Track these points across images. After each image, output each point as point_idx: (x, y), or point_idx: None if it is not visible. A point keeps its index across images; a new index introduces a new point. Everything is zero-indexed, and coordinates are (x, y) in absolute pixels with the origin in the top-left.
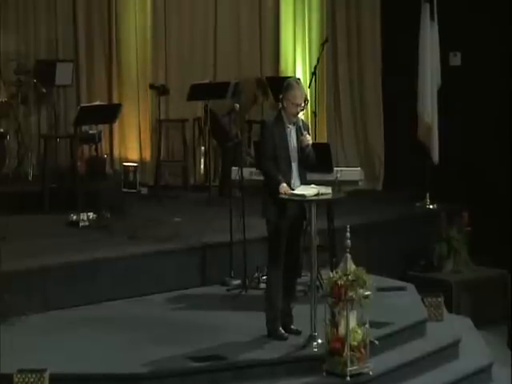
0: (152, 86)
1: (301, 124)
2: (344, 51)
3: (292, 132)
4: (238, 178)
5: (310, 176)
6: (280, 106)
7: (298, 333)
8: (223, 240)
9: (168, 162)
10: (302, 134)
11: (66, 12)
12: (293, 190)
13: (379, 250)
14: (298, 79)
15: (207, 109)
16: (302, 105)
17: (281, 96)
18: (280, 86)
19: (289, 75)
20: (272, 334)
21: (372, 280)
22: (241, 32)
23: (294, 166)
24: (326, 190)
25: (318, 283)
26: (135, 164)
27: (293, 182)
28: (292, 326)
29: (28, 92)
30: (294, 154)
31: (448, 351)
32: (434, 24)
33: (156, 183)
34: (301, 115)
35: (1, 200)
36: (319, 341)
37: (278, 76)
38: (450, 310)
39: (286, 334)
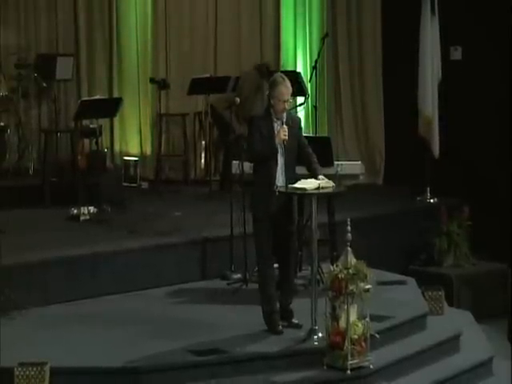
0: (152, 80)
1: (284, 119)
2: (345, 45)
3: (279, 127)
4: (238, 171)
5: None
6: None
7: (298, 326)
8: (223, 234)
9: (168, 157)
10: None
11: (67, 6)
12: (277, 186)
13: (380, 243)
14: (296, 74)
15: (209, 104)
16: (290, 100)
17: (267, 93)
18: None
19: (290, 69)
20: (268, 328)
21: (372, 274)
22: (241, 25)
23: (281, 161)
24: (327, 184)
25: (318, 277)
26: (136, 158)
27: (277, 176)
28: (293, 320)
29: (28, 86)
30: (280, 150)
31: (448, 345)
32: (434, 18)
33: (156, 177)
34: (300, 109)
35: (1, 194)
36: (320, 334)
37: (279, 70)
38: (450, 304)
39: (280, 328)
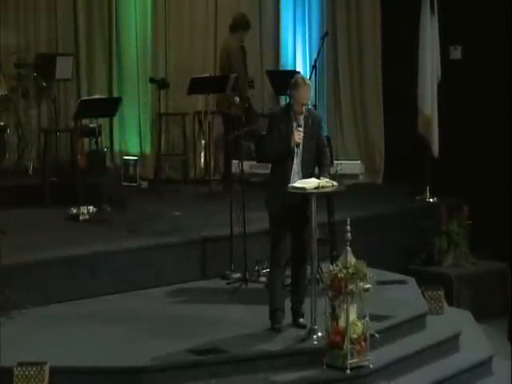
0: (152, 80)
1: (301, 121)
2: (344, 44)
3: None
4: (238, 171)
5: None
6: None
7: (302, 326)
8: (223, 233)
9: (168, 156)
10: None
11: (67, 6)
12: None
13: (379, 243)
14: (296, 73)
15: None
16: (308, 103)
17: (288, 91)
18: (280, 79)
19: (289, 69)
20: (271, 324)
21: (372, 273)
22: None
23: (296, 161)
24: (327, 183)
25: (318, 276)
26: (135, 158)
27: (292, 176)
28: (300, 320)
29: (28, 86)
30: (296, 150)
31: (448, 344)
32: (434, 17)
33: (156, 177)
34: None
35: (1, 194)
36: (319, 334)
37: (279, 69)
38: (450, 304)
39: (278, 326)
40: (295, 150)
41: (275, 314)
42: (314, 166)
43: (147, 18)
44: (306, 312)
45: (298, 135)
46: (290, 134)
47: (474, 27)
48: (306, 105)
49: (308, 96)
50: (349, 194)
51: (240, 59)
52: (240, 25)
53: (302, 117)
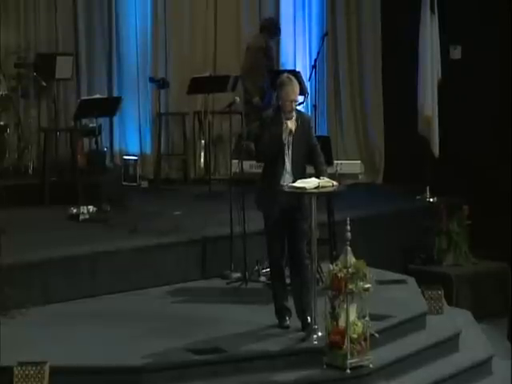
0: (152, 80)
1: (293, 119)
2: (344, 44)
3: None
4: (238, 170)
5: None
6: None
7: (306, 326)
8: (223, 233)
9: (168, 156)
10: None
11: (67, 5)
12: (281, 185)
13: (379, 243)
14: (296, 73)
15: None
16: (297, 100)
17: (276, 94)
18: None
19: (289, 68)
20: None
21: (372, 273)
22: (241, 24)
23: (288, 161)
24: (327, 183)
25: (318, 276)
26: (135, 157)
27: (284, 177)
28: (308, 322)
29: (28, 85)
30: (288, 150)
31: (448, 344)
32: (434, 17)
33: (156, 177)
34: (299, 108)
35: (1, 193)
36: (319, 334)
37: (278, 69)
38: (450, 303)
39: (285, 324)
40: (286, 151)
41: (280, 312)
42: (305, 166)
43: (147, 18)
44: None
45: (291, 123)
46: (280, 131)
47: (474, 27)
48: (296, 103)
49: (295, 93)
50: (349, 194)
51: (252, 56)
52: (263, 28)
53: (293, 114)
